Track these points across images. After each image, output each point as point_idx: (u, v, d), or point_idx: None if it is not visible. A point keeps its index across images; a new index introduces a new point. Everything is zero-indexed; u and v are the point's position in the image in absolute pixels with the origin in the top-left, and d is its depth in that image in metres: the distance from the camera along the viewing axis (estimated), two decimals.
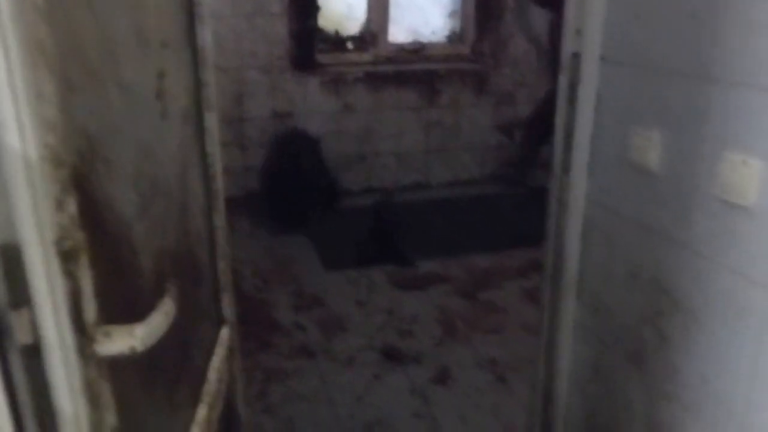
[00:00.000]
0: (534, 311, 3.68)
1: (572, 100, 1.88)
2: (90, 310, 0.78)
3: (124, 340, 0.80)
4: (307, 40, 5.15)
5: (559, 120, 1.94)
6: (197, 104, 1.55)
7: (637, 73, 1.73)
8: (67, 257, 0.74)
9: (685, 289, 1.64)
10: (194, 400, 1.46)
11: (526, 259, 4.36)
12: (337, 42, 5.53)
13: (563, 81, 1.90)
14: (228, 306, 1.83)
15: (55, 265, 0.73)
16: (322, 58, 5.34)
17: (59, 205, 0.74)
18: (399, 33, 5.56)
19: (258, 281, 4.18)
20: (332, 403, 3.07)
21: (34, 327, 0.75)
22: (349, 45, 5.56)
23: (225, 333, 1.80)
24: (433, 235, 4.89)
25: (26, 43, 0.66)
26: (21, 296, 0.74)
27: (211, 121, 1.59)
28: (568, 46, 1.87)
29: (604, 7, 1.80)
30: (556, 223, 2.03)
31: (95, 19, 0.87)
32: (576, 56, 1.85)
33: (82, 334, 0.77)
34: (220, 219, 1.71)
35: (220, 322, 1.81)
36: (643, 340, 1.80)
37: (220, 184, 1.68)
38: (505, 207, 5.03)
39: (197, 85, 1.53)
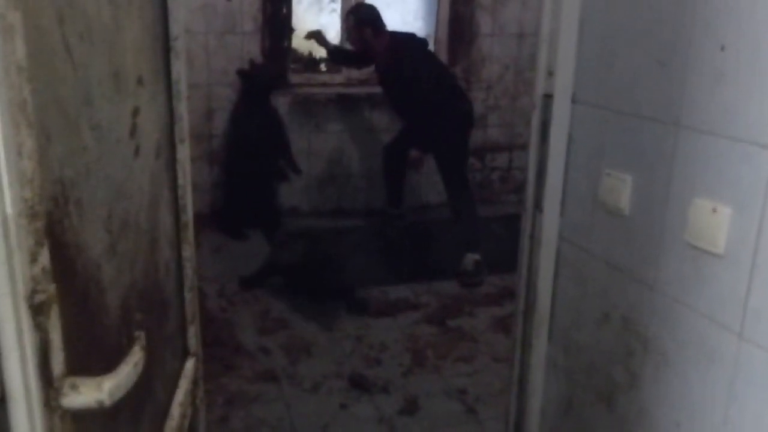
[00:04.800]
0: (505, 340, 3.69)
1: (544, 139, 1.90)
2: (58, 362, 0.77)
3: (92, 394, 0.78)
4: (280, 59, 5.14)
5: (532, 158, 1.96)
6: (170, 137, 1.54)
7: (609, 116, 1.75)
8: (37, 311, 0.73)
9: (655, 331, 1.65)
10: None
11: (499, 287, 4.37)
12: (309, 63, 5.54)
13: (535, 120, 1.91)
14: (194, 337, 1.81)
15: (26, 318, 0.72)
16: (294, 78, 5.35)
17: (32, 258, 0.73)
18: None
19: (222, 301, 4.14)
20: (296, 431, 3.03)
21: (0, 379, 0.74)
22: (322, 67, 5.57)
23: (190, 365, 1.77)
24: (403, 260, 4.88)
25: (9, 104, 0.66)
26: None
27: (183, 153, 1.58)
28: (540, 87, 1.89)
29: (575, 49, 1.82)
30: (528, 260, 2.04)
31: (74, 69, 0.86)
32: (548, 97, 1.87)
33: (49, 386, 0.76)
34: (188, 251, 1.69)
35: (185, 353, 1.79)
36: (615, 381, 1.81)
37: (190, 215, 1.67)
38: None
39: (170, 119, 1.52)
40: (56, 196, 0.85)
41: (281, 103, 5.14)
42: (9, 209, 0.68)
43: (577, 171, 1.88)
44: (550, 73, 1.86)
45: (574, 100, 1.84)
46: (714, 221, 1.44)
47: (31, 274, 0.72)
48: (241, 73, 4.85)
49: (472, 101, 4.77)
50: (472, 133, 4.74)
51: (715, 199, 1.45)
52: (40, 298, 0.73)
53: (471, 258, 4.49)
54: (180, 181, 1.58)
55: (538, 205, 1.97)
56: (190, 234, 1.67)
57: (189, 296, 1.74)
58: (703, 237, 1.47)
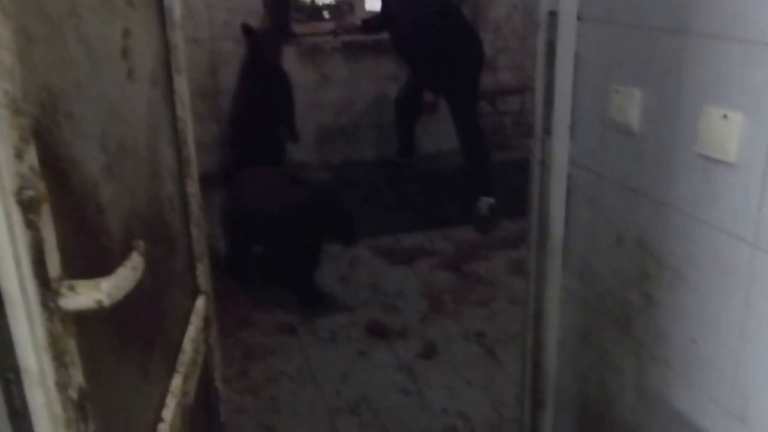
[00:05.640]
0: (522, 283, 3.66)
1: (551, 60, 1.85)
2: (53, 262, 0.75)
3: (90, 294, 0.77)
4: (282, 9, 5.07)
5: (539, 81, 1.91)
6: (166, 67, 1.51)
7: (615, 31, 1.70)
8: (27, 207, 0.71)
9: (670, 250, 1.62)
10: (169, 370, 1.43)
11: (514, 230, 4.34)
12: (312, 11, 5.47)
13: (540, 40, 1.87)
14: (203, 276, 1.80)
15: (16, 215, 0.70)
16: (297, 28, 5.28)
17: (18, 154, 0.71)
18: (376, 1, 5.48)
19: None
20: (316, 382, 3.03)
21: None
22: (325, 14, 5.49)
23: (201, 303, 1.76)
24: (417, 207, 4.85)
25: None
26: None
27: (181, 85, 1.55)
28: (544, 5, 1.84)
29: None
30: (540, 187, 2.01)
31: None
32: (552, 15, 1.82)
33: (46, 287, 0.74)
34: (193, 186, 1.67)
35: (195, 292, 1.78)
36: (631, 303, 1.79)
37: (192, 149, 1.64)
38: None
39: (165, 48, 1.49)
40: (44, 102, 0.83)
41: (287, 53, 5.05)
42: None
43: (585, 91, 1.84)
44: None
45: (579, 17, 1.80)
46: (725, 129, 1.41)
47: (17, 170, 0.70)
48: (246, 29, 4.75)
49: (482, 40, 4.71)
50: (481, 75, 4.69)
51: (725, 106, 1.41)
52: (28, 194, 0.71)
53: (485, 202, 4.47)
54: (179, 113, 1.55)
55: (546, 130, 1.93)
56: (193, 168, 1.65)
57: (196, 233, 1.72)
58: (715, 146, 1.44)
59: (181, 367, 1.46)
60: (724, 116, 1.40)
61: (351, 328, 3.43)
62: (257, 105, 4.69)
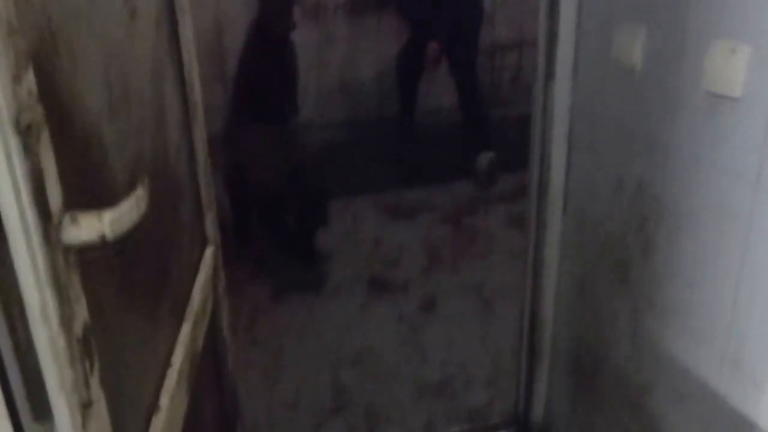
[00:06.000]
0: (520, 237, 3.65)
1: (554, 3, 1.81)
2: (54, 193, 0.72)
3: (93, 227, 0.74)
4: None
5: (542, 23, 1.88)
6: (170, 9, 1.47)
7: None
8: (26, 133, 0.68)
9: (671, 193, 1.59)
10: (178, 318, 1.42)
11: (513, 185, 4.30)
12: None
13: None
14: (211, 226, 1.78)
15: (14, 140, 0.67)
16: None
17: (15, 76, 0.67)
18: None
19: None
20: (320, 334, 3.06)
21: None
22: None
23: (209, 253, 1.74)
24: (417, 163, 4.84)
25: None
26: None
27: (186, 27, 1.51)
28: None
29: None
30: (542, 134, 1.98)
31: None
32: None
33: (47, 218, 0.71)
34: (199, 132, 1.64)
35: (204, 242, 1.76)
36: (629, 250, 1.77)
37: (198, 95, 1.61)
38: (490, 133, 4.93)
39: None
40: (41, 28, 0.80)
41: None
42: None
43: (588, 32, 1.80)
44: None
45: None
46: (732, 62, 1.36)
47: (15, 93, 0.67)
48: None
49: None
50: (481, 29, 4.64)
51: (734, 39, 1.36)
52: (26, 118, 0.68)
53: (485, 157, 4.46)
54: (185, 57, 1.51)
55: (549, 74, 1.90)
56: (200, 114, 1.62)
57: (204, 182, 1.70)
58: (720, 81, 1.39)
59: (190, 315, 1.45)
60: (733, 50, 1.35)
61: (354, 283, 3.47)
62: (260, 76, 4.53)
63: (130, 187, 1.03)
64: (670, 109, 1.55)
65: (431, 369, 2.85)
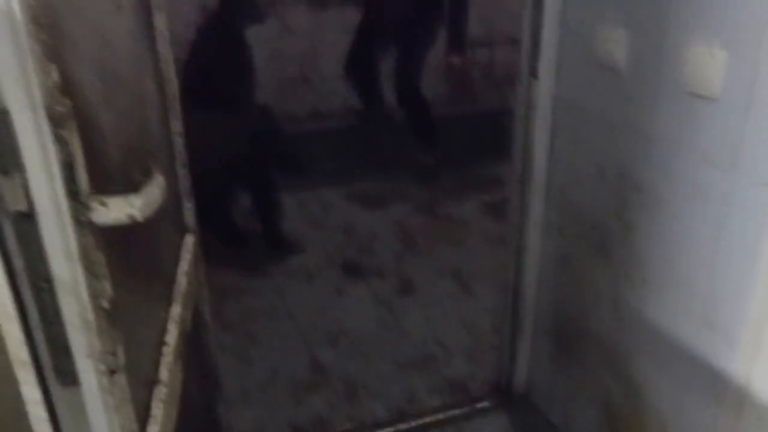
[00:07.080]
0: (495, 224, 3.76)
1: (538, 3, 1.90)
2: (83, 178, 0.79)
3: (122, 209, 0.81)
4: None
5: (526, 22, 1.95)
6: (146, 6, 1.52)
7: None
8: (58, 122, 0.74)
9: (651, 179, 1.70)
10: (167, 299, 1.48)
11: (485, 176, 4.38)
12: None
13: None
14: (190, 214, 1.83)
15: (47, 129, 0.73)
16: None
17: (44, 70, 0.73)
18: None
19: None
20: (293, 317, 3.08)
21: (27, 194, 0.75)
22: None
23: (190, 240, 1.80)
24: (387, 154, 4.86)
25: None
26: (11, 162, 0.74)
27: (161, 23, 1.56)
28: None
29: None
30: (525, 127, 2.07)
31: None
32: None
33: (78, 201, 0.78)
34: (177, 124, 1.69)
35: (183, 230, 1.81)
36: (611, 230, 1.88)
37: (175, 89, 1.66)
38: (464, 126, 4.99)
39: None
40: (49, 20, 0.85)
41: None
42: (16, 8, 0.68)
43: (572, 32, 1.89)
44: None
45: None
46: (710, 65, 1.47)
47: (47, 86, 0.73)
48: None
49: None
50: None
51: (711, 43, 1.46)
52: (58, 109, 0.74)
53: (430, 153, 4.52)
54: (161, 51, 1.57)
55: (533, 72, 1.98)
56: (176, 106, 1.67)
57: (182, 172, 1.75)
58: (699, 82, 1.50)
59: (178, 297, 1.51)
60: (710, 53, 1.46)
61: (326, 268, 3.47)
62: (216, 65, 4.44)
63: (125, 176, 1.10)
64: (653, 104, 1.66)
65: (411, 347, 2.89)
